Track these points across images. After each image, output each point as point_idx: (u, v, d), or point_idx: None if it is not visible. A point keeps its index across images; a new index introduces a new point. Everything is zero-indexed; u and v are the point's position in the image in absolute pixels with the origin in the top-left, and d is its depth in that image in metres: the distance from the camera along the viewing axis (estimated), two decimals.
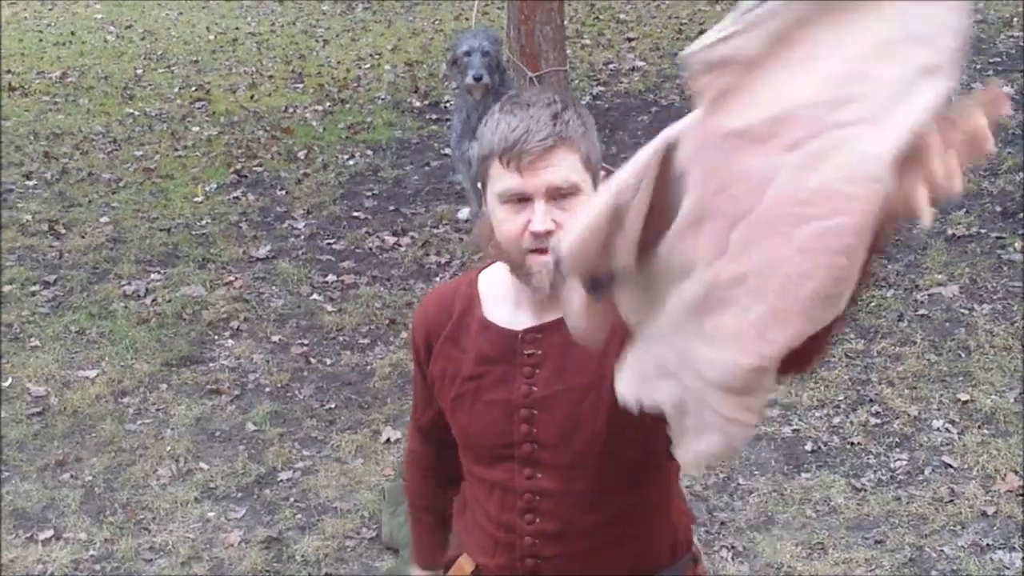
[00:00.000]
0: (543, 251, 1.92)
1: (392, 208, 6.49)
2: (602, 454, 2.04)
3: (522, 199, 1.93)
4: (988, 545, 3.52)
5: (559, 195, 1.92)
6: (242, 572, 3.59)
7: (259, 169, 7.20)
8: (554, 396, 2.04)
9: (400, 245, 5.97)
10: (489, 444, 2.10)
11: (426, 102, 8.53)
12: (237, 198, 6.72)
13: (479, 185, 2.05)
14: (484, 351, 2.09)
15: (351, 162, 7.27)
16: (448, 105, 8.25)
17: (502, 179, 1.94)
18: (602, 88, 8.51)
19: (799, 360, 1.40)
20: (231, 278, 5.62)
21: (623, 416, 2.02)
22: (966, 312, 4.88)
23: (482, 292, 2.14)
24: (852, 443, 4.08)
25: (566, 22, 7.50)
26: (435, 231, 6.11)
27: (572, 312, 1.59)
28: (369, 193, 6.73)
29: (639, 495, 2.09)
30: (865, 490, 3.83)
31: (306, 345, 4.98)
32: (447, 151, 7.01)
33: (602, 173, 2.02)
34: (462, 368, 2.11)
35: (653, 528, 2.14)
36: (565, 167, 1.92)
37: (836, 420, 4.22)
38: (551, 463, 2.06)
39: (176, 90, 9.25)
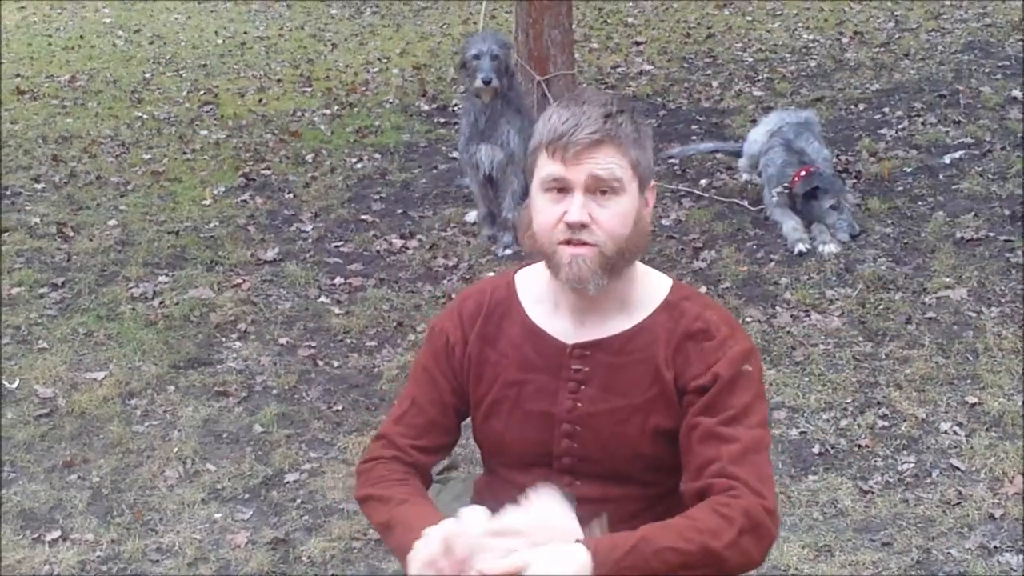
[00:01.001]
0: (575, 243, 1.94)
1: (400, 211, 6.49)
2: (644, 470, 2.04)
3: (562, 189, 1.94)
4: (996, 547, 3.50)
5: (599, 188, 1.93)
6: (248, 573, 3.59)
7: (267, 172, 7.21)
8: (599, 414, 2.02)
9: (408, 248, 5.97)
10: (525, 453, 2.08)
11: (434, 106, 8.54)
12: (245, 201, 6.73)
13: (526, 177, 2.08)
14: (529, 357, 2.08)
15: (359, 165, 7.28)
16: (456, 109, 8.26)
17: (546, 167, 1.95)
18: (610, 92, 8.50)
19: None
20: (239, 281, 5.62)
21: (666, 439, 2.02)
22: (974, 315, 4.87)
23: (520, 293, 2.13)
24: (859, 445, 4.07)
25: (574, 26, 7.51)
26: (443, 234, 6.12)
27: None
28: (377, 196, 6.73)
29: (672, 503, 2.09)
30: (872, 492, 3.82)
31: (313, 347, 4.99)
32: (455, 155, 7.01)
33: (652, 183, 2.03)
34: (501, 372, 2.09)
35: None
36: (610, 162, 1.92)
37: (843, 422, 4.22)
38: (592, 473, 2.05)
39: (184, 94, 9.27)
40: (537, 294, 2.11)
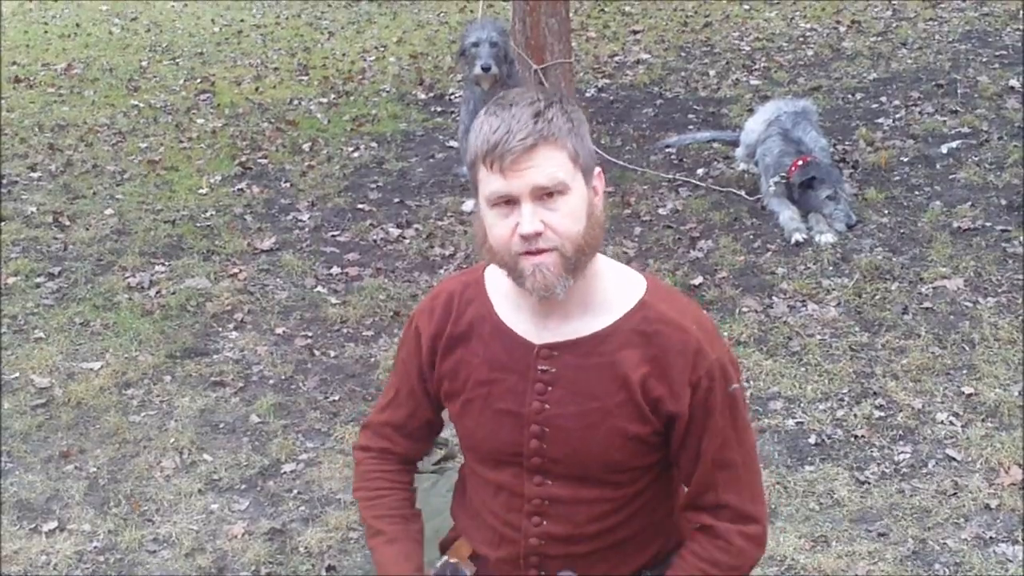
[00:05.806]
0: (533, 252, 1.90)
1: (397, 200, 6.49)
2: (614, 472, 2.04)
3: (509, 201, 1.89)
4: (991, 538, 3.51)
5: (545, 194, 1.88)
6: (245, 564, 3.60)
7: (264, 161, 7.20)
8: (567, 416, 2.01)
9: (404, 237, 5.97)
10: (496, 451, 2.08)
11: (431, 94, 8.53)
12: (241, 190, 6.72)
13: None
14: (498, 357, 2.06)
15: (356, 154, 7.27)
16: (452, 97, 8.25)
17: (488, 182, 1.90)
18: (607, 80, 8.50)
19: None
20: (235, 270, 5.62)
21: (636, 443, 2.02)
22: (970, 305, 4.87)
23: (490, 291, 2.11)
24: (856, 436, 4.07)
25: (571, 14, 7.49)
26: (439, 223, 6.11)
27: None
28: (374, 185, 6.72)
29: (645, 500, 2.09)
30: (868, 483, 3.83)
31: (310, 337, 4.98)
32: (452, 143, 7.01)
33: (597, 170, 1.99)
34: (473, 372, 2.08)
35: (656, 529, 2.14)
36: (550, 165, 1.87)
37: (840, 413, 4.22)
38: (562, 473, 2.04)
39: (181, 82, 9.25)
40: (504, 292, 2.08)
